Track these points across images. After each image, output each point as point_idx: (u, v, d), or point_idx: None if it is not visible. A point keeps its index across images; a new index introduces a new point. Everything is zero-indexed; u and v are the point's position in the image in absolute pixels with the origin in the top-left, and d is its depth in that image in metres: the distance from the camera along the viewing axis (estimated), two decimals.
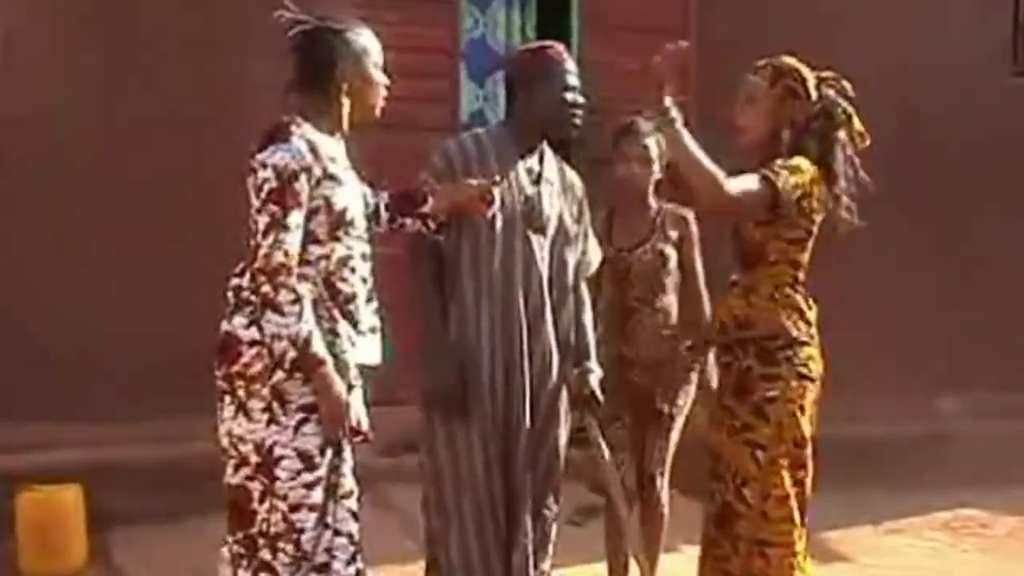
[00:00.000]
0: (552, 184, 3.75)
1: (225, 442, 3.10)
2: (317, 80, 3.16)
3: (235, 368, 3.05)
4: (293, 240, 3.00)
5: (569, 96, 3.69)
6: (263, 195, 3.00)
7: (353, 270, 3.16)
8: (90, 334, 5.54)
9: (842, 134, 3.55)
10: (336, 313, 3.11)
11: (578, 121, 3.73)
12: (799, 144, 3.54)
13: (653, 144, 4.13)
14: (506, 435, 3.64)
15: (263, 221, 3.00)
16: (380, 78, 3.25)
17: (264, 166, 3.01)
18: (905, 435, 6.37)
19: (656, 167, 4.18)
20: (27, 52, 5.60)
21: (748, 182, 3.42)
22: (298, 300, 2.98)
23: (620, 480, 4.00)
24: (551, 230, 3.72)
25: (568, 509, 4.15)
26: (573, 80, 3.71)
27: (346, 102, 3.18)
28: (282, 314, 2.97)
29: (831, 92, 3.59)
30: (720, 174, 3.34)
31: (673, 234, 4.18)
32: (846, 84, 3.61)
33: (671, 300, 4.20)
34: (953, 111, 6.90)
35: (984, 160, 7.00)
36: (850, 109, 3.58)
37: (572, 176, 3.85)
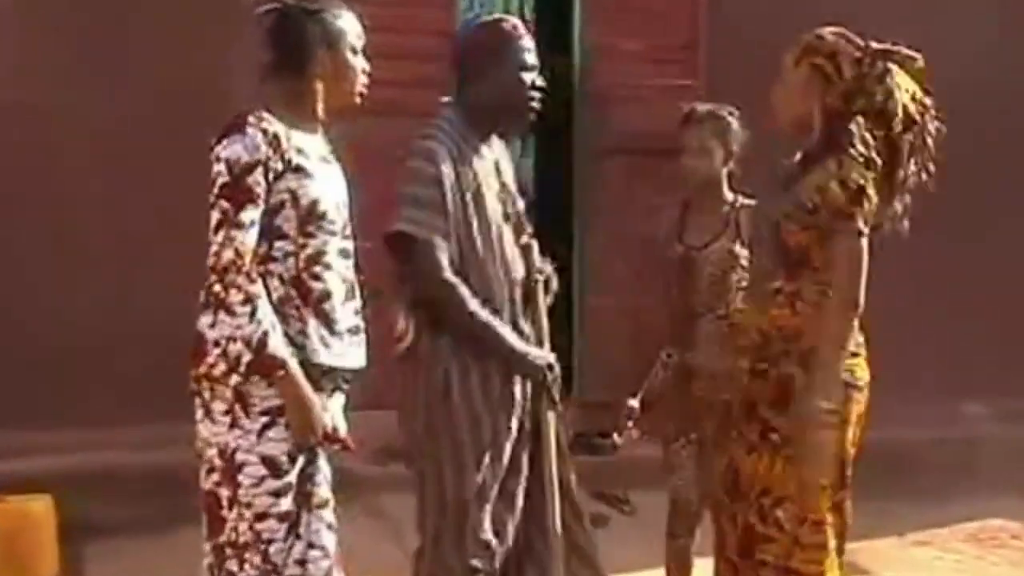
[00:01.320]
0: (509, 167, 3.52)
1: (198, 445, 3.03)
2: (291, 65, 3.03)
3: (201, 369, 2.96)
4: (245, 237, 2.89)
5: (527, 77, 3.36)
6: (215, 190, 2.92)
7: (328, 266, 3.02)
8: (88, 335, 5.48)
9: (895, 124, 3.21)
10: (306, 313, 2.98)
11: (537, 105, 3.40)
12: (838, 129, 3.24)
13: (711, 134, 3.84)
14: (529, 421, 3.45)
15: (215, 217, 2.91)
16: (359, 63, 3.09)
17: (218, 160, 2.93)
18: (931, 441, 6.24)
19: (720, 158, 3.85)
20: (22, 48, 5.54)
21: (845, 271, 3.20)
22: (249, 300, 2.87)
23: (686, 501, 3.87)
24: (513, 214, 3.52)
25: None
26: (531, 59, 3.38)
27: (321, 88, 3.04)
28: (233, 315, 2.87)
29: (878, 66, 3.23)
30: (836, 336, 3.18)
31: (748, 232, 3.81)
32: (912, 54, 3.27)
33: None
34: (976, 103, 6.71)
35: (1010, 155, 6.81)
36: (897, 81, 3.22)
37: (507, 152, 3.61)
